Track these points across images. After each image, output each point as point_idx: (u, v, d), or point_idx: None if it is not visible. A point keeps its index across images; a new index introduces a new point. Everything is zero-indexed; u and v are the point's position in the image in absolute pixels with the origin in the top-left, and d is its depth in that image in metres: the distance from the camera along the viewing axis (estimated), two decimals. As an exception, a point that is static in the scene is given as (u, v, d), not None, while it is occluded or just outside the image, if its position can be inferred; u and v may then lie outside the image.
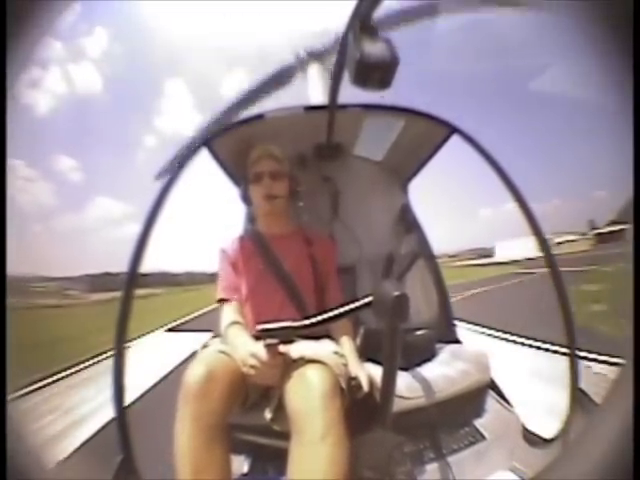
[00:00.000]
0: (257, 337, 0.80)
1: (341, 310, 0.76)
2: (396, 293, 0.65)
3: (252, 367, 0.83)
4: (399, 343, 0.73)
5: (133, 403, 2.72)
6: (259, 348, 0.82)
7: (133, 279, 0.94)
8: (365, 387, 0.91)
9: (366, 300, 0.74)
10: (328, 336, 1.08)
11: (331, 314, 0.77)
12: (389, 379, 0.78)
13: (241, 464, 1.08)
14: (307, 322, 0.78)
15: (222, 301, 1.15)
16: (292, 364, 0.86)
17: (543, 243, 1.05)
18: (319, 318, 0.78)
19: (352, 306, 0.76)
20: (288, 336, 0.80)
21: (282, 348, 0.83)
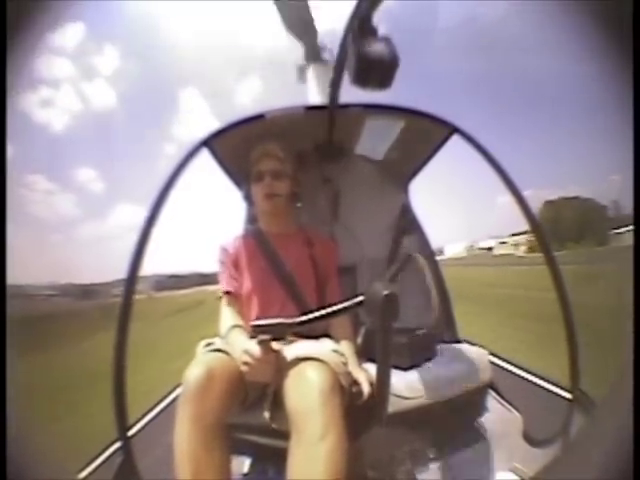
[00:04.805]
0: (253, 336, 0.81)
1: (333, 308, 0.78)
2: (385, 292, 0.67)
3: (246, 364, 0.83)
4: (391, 341, 0.74)
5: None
6: (252, 345, 0.83)
7: (133, 279, 0.94)
8: (366, 393, 0.91)
9: (357, 299, 0.76)
10: (327, 335, 1.09)
11: (323, 312, 0.79)
12: (383, 376, 0.79)
13: (241, 464, 1.08)
14: (300, 320, 0.80)
15: (226, 295, 1.15)
16: (291, 362, 0.86)
17: (542, 241, 1.05)
18: (311, 316, 0.79)
19: (343, 305, 0.77)
20: (281, 333, 0.81)
21: (275, 345, 0.83)
